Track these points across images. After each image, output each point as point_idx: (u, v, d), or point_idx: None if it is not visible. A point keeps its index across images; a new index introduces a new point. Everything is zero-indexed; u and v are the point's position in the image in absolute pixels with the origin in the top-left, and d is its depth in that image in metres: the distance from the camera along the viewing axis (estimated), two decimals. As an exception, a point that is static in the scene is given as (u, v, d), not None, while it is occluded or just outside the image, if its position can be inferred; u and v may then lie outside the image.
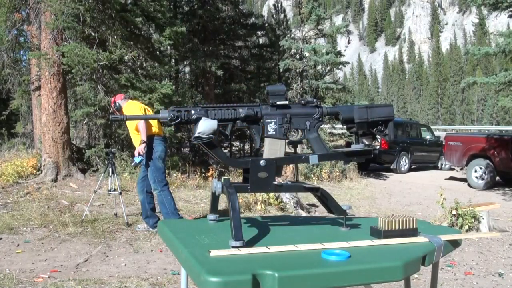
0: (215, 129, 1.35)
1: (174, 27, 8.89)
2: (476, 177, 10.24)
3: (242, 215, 1.42)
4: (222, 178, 1.47)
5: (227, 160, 1.47)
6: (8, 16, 8.14)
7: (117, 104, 5.00)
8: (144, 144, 4.71)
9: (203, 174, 8.66)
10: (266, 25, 15.38)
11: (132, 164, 5.17)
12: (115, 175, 5.53)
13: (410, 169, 13.24)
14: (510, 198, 8.91)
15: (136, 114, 4.61)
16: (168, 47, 10.08)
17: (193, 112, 1.38)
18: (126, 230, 5.07)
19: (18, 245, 4.41)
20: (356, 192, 9.18)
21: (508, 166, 9.82)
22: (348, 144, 1.80)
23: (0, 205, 6.03)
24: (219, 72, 11.12)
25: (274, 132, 1.42)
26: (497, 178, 10.36)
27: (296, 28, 13.39)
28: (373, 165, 13.01)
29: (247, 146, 15.00)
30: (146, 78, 8.61)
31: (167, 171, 8.58)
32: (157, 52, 9.95)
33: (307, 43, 12.55)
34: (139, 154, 4.72)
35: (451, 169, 12.66)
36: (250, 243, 1.28)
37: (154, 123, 4.90)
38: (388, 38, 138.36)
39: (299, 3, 12.86)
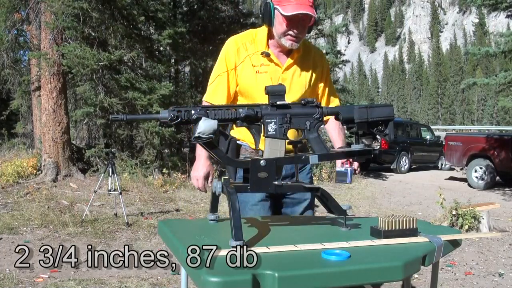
0: (215, 129, 1.35)
1: (174, 27, 8.87)
2: (476, 177, 10.23)
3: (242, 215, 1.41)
4: (222, 178, 1.47)
5: (227, 160, 1.47)
6: (8, 16, 8.13)
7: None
8: None
9: (203, 174, 8.63)
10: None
11: (348, 181, 2.12)
12: (115, 175, 5.53)
13: (410, 169, 13.23)
14: (510, 198, 8.90)
15: None
16: (168, 48, 10.06)
17: (193, 112, 1.37)
18: (126, 230, 5.07)
19: (18, 245, 4.41)
20: (356, 192, 9.17)
21: (508, 166, 9.81)
22: (348, 144, 1.79)
23: (0, 205, 6.03)
24: None
25: (274, 132, 1.42)
26: (497, 178, 10.36)
27: (296, 28, 13.36)
28: (373, 165, 13.01)
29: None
30: (146, 79, 8.60)
31: (167, 172, 8.60)
32: (157, 52, 9.93)
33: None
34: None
35: (451, 169, 12.65)
36: (250, 243, 1.28)
37: None
38: (388, 38, 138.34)
39: (299, 3, 12.83)
